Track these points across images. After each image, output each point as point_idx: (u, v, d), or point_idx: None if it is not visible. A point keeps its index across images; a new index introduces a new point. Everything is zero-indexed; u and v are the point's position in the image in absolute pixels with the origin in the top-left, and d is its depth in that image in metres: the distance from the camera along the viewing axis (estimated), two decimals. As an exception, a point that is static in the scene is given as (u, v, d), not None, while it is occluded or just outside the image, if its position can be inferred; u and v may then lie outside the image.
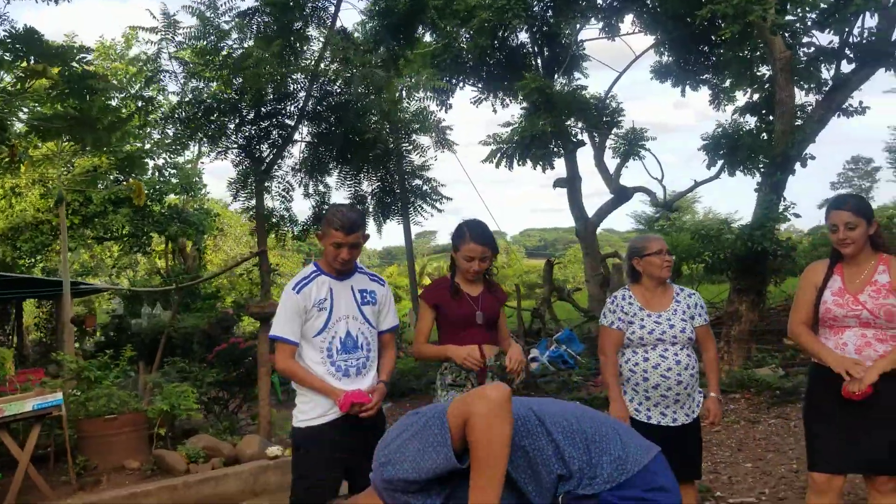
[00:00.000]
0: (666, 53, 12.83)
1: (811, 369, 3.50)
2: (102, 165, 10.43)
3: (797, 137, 9.93)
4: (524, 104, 12.30)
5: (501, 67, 12.83)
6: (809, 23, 10.75)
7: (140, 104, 7.23)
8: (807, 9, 10.18)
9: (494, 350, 3.68)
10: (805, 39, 11.26)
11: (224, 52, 6.93)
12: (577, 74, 13.13)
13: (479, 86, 13.29)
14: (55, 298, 12.53)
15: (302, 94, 7.35)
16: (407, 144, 9.46)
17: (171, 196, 13.69)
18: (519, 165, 11.75)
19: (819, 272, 3.43)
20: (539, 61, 12.95)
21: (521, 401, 2.25)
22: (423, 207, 10.17)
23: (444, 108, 13.17)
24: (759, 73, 12.22)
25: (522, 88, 10.94)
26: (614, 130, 12.45)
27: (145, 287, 12.59)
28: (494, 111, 13.68)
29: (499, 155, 11.64)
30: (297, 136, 7.72)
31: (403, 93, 9.04)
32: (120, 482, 5.65)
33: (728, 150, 11.28)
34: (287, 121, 7.46)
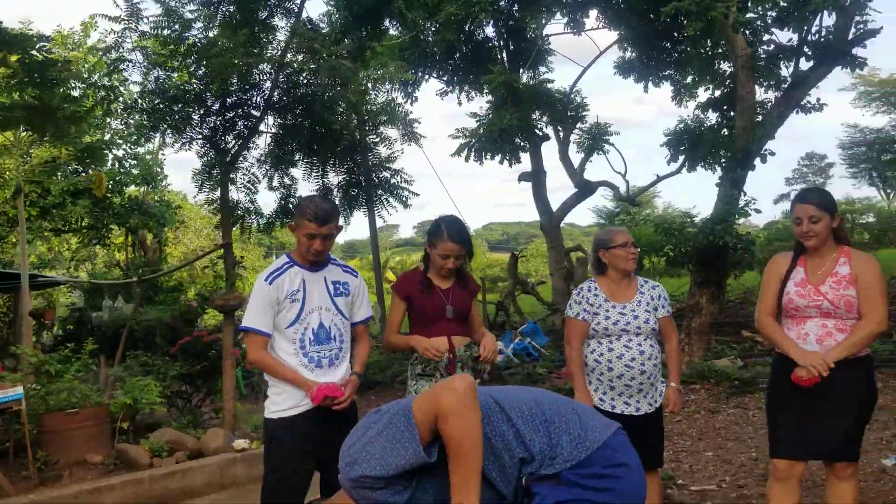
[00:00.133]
0: (629, 49, 12.95)
1: (774, 360, 3.59)
2: (62, 156, 10.22)
3: (757, 133, 10.12)
4: (490, 98, 12.35)
5: (467, 61, 12.84)
6: (770, 20, 10.94)
7: (102, 94, 7.10)
8: (767, 6, 10.35)
9: (465, 341, 3.72)
10: (765, 37, 11.47)
11: (189, 42, 6.83)
12: (542, 69, 13.21)
13: (445, 78, 13.30)
14: (13, 291, 12.26)
15: (268, 84, 7.27)
16: (374, 136, 9.42)
17: (132, 187, 13.45)
18: (488, 160, 11.79)
19: (783, 264, 3.52)
20: (505, 55, 12.99)
21: (480, 389, 2.28)
22: (388, 201, 10.15)
23: (410, 100, 13.16)
24: (720, 70, 12.42)
25: (489, 82, 10.97)
26: (579, 125, 12.55)
27: (106, 280, 12.39)
28: (459, 104, 13.72)
29: (467, 150, 11.66)
30: (262, 128, 7.65)
31: (370, 85, 9.00)
32: (82, 477, 5.58)
33: (690, 145, 11.45)
34: (253, 111, 7.38)
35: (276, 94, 7.36)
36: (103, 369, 7.30)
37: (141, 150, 14.02)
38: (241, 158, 7.57)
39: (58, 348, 7.13)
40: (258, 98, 7.38)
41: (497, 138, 11.22)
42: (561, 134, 13.09)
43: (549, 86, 12.38)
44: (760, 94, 11.38)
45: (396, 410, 2.15)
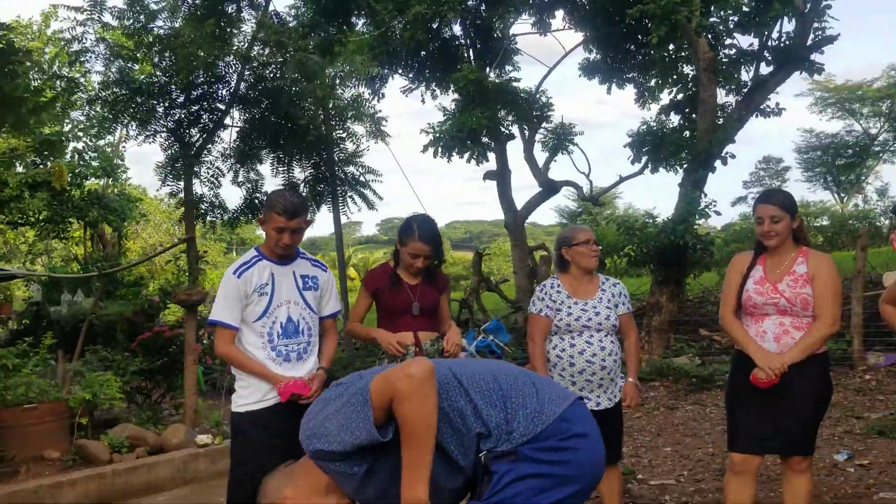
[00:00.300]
0: (595, 51, 13.07)
1: (734, 357, 3.68)
2: (19, 148, 10.01)
3: (718, 136, 10.31)
4: (455, 96, 12.38)
5: (433, 59, 12.85)
6: (732, 25, 11.16)
7: (63, 85, 6.99)
8: (729, 11, 10.56)
9: (432, 336, 3.76)
10: (727, 41, 11.69)
11: (153, 34, 6.76)
12: (508, 68, 13.27)
13: (411, 75, 13.29)
14: (-34, 285, 11.99)
15: (234, 77, 7.23)
16: (341, 132, 9.39)
17: (92, 180, 13.22)
18: (458, 158, 11.83)
19: (744, 262, 3.62)
20: (471, 54, 13.03)
21: (439, 362, 2.31)
22: (353, 198, 10.13)
23: (377, 97, 13.13)
24: (683, 73, 12.61)
25: (459, 80, 11.00)
26: (544, 125, 12.63)
27: (65, 274, 12.16)
28: (423, 101, 13.68)
29: (436, 147, 11.68)
30: (228, 121, 7.60)
31: (337, 80, 8.96)
32: (39, 472, 5.48)
33: (652, 146, 11.59)
34: (218, 105, 7.32)
35: (242, 87, 7.31)
36: (61, 364, 7.18)
37: (102, 142, 13.78)
38: (205, 152, 7.51)
39: (15, 342, 7.00)
40: (224, 91, 7.34)
41: (465, 138, 11.25)
42: (526, 133, 13.17)
43: (515, 85, 12.45)
44: (722, 97, 11.59)
45: (355, 390, 2.16)
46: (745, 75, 11.82)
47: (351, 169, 10.02)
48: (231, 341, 3.25)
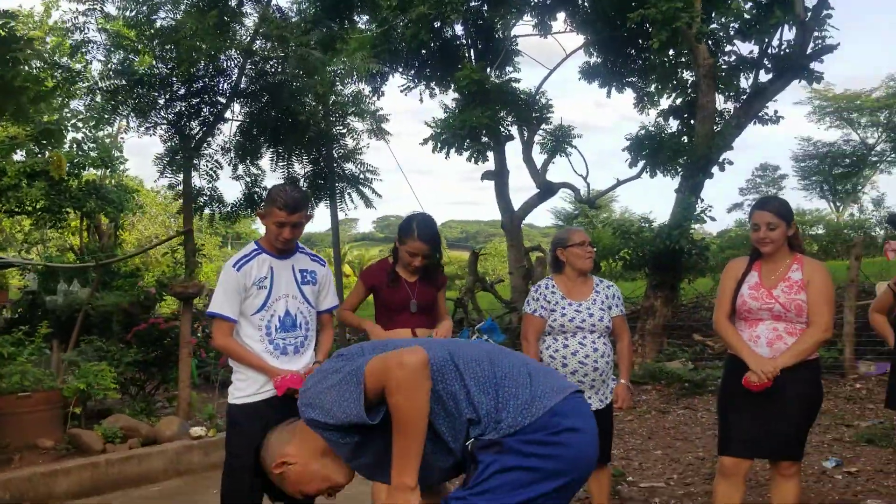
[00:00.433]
0: (595, 54, 13.12)
1: (727, 361, 3.72)
2: (19, 136, 10.01)
3: (717, 142, 10.36)
4: (455, 95, 12.41)
5: (434, 58, 12.89)
6: (732, 32, 11.22)
7: (64, 75, 6.99)
8: (730, 18, 10.61)
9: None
10: (727, 48, 11.75)
11: (156, 25, 6.76)
12: (509, 69, 13.31)
13: (411, 74, 13.32)
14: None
15: (235, 71, 7.24)
16: (341, 128, 9.39)
17: (91, 171, 13.21)
18: (456, 155, 11.90)
19: (739, 268, 3.66)
20: (472, 54, 13.07)
21: (440, 344, 2.30)
22: (352, 195, 10.14)
23: (377, 95, 13.15)
24: (682, 79, 12.66)
25: (462, 79, 11.05)
26: (543, 126, 12.68)
27: (61, 263, 12.16)
28: (421, 100, 13.73)
29: (437, 142, 11.73)
30: (228, 115, 7.60)
31: (337, 77, 8.96)
32: (33, 461, 5.49)
33: (650, 150, 11.65)
34: (219, 98, 7.33)
35: (243, 81, 7.32)
36: (56, 353, 7.19)
37: (101, 133, 13.77)
38: (205, 145, 7.52)
39: (11, 331, 7.01)
40: (225, 84, 7.34)
41: (466, 135, 11.31)
42: (525, 134, 13.21)
43: (515, 86, 12.50)
44: (720, 103, 11.67)
45: (351, 368, 2.16)
46: (745, 82, 11.91)
47: (350, 166, 10.03)
48: (229, 334, 3.28)
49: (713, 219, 10.59)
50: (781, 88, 11.17)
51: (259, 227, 30.57)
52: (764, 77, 11.42)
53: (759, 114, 11.39)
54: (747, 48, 11.78)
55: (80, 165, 12.43)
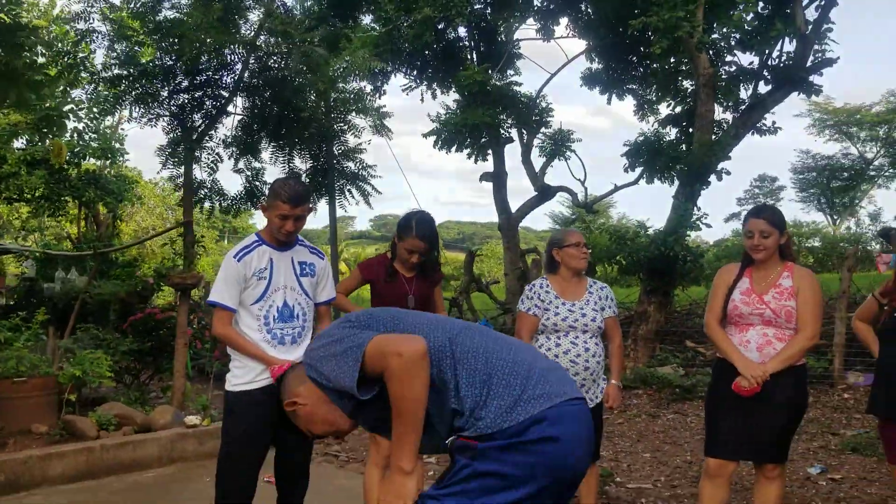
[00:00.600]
0: (596, 60, 13.21)
1: (716, 364, 3.79)
2: (21, 124, 10.04)
3: (715, 151, 10.44)
4: (457, 96, 12.49)
5: (437, 59, 12.97)
6: (733, 43, 11.30)
7: (70, 61, 7.04)
8: (732, 28, 10.69)
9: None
10: (728, 58, 11.83)
11: (160, 17, 6.82)
12: (510, 72, 13.39)
13: (413, 74, 13.39)
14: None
15: (239, 65, 7.30)
16: (342, 125, 9.46)
17: (91, 161, 13.23)
18: (456, 152, 12.00)
19: (731, 273, 3.74)
20: (475, 56, 13.15)
21: (447, 328, 2.27)
22: (351, 192, 10.21)
23: (378, 94, 13.22)
24: (682, 87, 12.75)
25: (464, 80, 11.14)
26: (542, 130, 12.76)
27: (59, 251, 12.19)
28: (422, 100, 13.79)
29: (438, 136, 11.83)
30: (230, 109, 7.66)
31: (338, 74, 9.02)
32: (27, 445, 5.54)
33: (648, 157, 11.73)
34: (222, 91, 7.39)
35: (246, 75, 7.38)
36: (52, 340, 7.23)
37: (106, 122, 13.79)
38: (207, 138, 7.58)
39: (9, 317, 7.05)
40: (228, 78, 7.41)
41: (467, 133, 11.42)
42: (525, 137, 13.29)
43: (516, 89, 12.58)
44: (719, 113, 11.74)
45: (354, 343, 2.17)
46: (744, 93, 11.98)
47: (349, 164, 10.10)
48: (228, 322, 3.35)
49: (709, 226, 10.69)
50: (780, 100, 11.25)
51: (256, 223, 30.63)
52: (763, 88, 11.51)
53: (757, 124, 11.47)
54: (747, 59, 11.89)
55: (81, 155, 12.45)
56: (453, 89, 12.57)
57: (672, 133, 12.57)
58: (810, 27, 10.70)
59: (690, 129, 11.54)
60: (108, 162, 14.61)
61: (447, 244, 57.97)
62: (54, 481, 5.17)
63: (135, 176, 20.10)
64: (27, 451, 5.25)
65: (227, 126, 8.33)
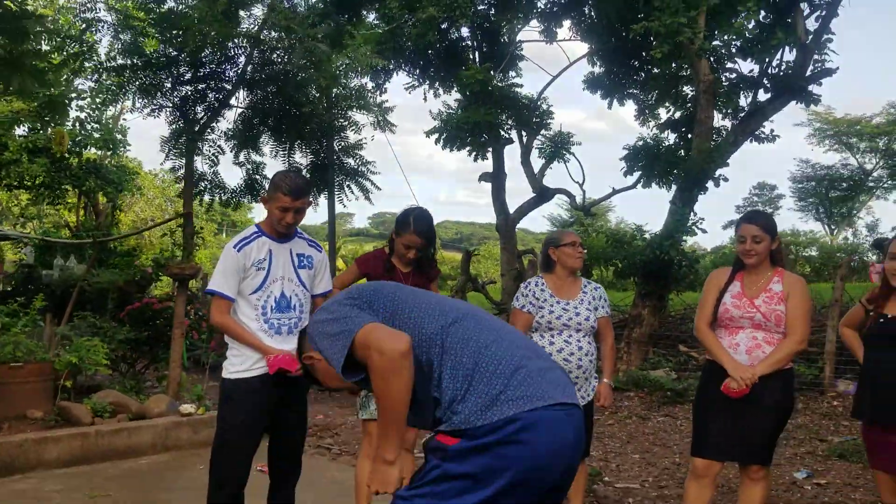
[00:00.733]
0: (598, 63, 13.27)
1: (706, 366, 3.86)
2: (23, 112, 10.07)
3: (713, 157, 10.50)
4: (458, 96, 12.55)
5: (439, 58, 13.03)
6: (734, 50, 11.36)
7: (76, 48, 7.08)
8: (733, 36, 10.75)
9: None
10: (728, 65, 11.89)
11: (165, 8, 6.86)
12: (512, 73, 13.45)
13: (416, 73, 13.45)
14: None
15: (242, 59, 7.34)
16: (343, 121, 9.50)
17: (92, 150, 13.25)
18: (457, 150, 12.07)
19: (722, 277, 3.81)
20: (477, 56, 13.21)
21: (446, 312, 2.27)
22: (351, 188, 10.25)
23: (379, 91, 13.28)
24: (682, 93, 12.81)
25: (467, 79, 11.20)
26: (542, 131, 12.82)
27: (58, 238, 12.22)
28: (425, 99, 13.85)
29: (440, 134, 11.89)
30: (233, 102, 7.71)
31: (340, 71, 9.05)
32: (22, 430, 5.60)
33: (647, 161, 11.79)
34: (225, 84, 7.44)
35: (249, 69, 7.42)
36: (49, 327, 7.27)
37: (109, 112, 13.81)
38: (208, 130, 7.63)
39: (7, 302, 7.10)
40: (231, 72, 7.45)
41: (470, 131, 11.49)
42: (524, 139, 13.35)
43: (517, 90, 12.63)
44: (718, 120, 11.81)
45: (347, 328, 2.19)
46: (743, 100, 12.05)
47: (349, 160, 10.14)
48: (227, 312, 3.41)
49: (704, 231, 10.71)
50: (779, 108, 11.32)
51: (255, 216, 30.68)
52: (763, 96, 11.59)
53: (756, 132, 11.54)
54: (748, 67, 11.96)
55: (82, 144, 12.48)
56: (455, 89, 12.63)
57: (671, 138, 12.65)
58: (811, 37, 10.78)
59: (689, 135, 11.61)
60: (109, 152, 14.63)
61: (445, 244, 58.02)
62: (49, 465, 5.23)
63: (135, 167, 20.14)
64: (23, 435, 5.30)
65: (229, 119, 8.36)
